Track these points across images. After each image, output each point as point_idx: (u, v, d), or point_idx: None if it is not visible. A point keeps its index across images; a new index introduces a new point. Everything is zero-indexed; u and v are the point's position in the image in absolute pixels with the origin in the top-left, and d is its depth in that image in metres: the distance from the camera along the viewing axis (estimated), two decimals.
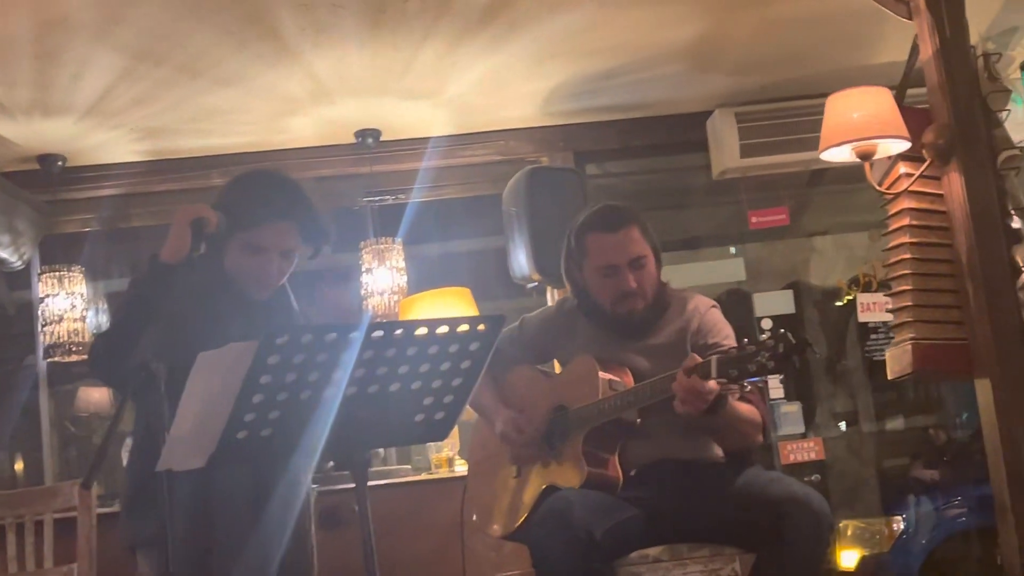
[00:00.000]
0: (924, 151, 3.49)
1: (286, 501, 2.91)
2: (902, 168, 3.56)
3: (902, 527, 5.99)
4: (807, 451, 5.76)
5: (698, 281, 6.07)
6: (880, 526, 6.06)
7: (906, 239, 3.50)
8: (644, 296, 3.27)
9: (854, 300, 6.20)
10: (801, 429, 5.86)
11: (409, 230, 5.54)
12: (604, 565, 3.00)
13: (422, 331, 2.24)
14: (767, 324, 5.81)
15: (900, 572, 5.90)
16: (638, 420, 3.15)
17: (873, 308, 5.97)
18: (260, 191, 2.99)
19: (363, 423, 2.30)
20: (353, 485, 2.44)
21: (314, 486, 3.14)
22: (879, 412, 7.24)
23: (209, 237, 2.83)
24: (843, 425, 7.11)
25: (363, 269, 5.43)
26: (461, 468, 4.49)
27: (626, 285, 3.25)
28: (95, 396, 7.23)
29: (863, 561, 6.04)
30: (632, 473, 3.16)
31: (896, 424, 7.32)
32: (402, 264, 5.44)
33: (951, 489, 6.11)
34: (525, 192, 5.07)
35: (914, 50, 3.66)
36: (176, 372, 2.39)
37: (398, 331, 2.22)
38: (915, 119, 3.51)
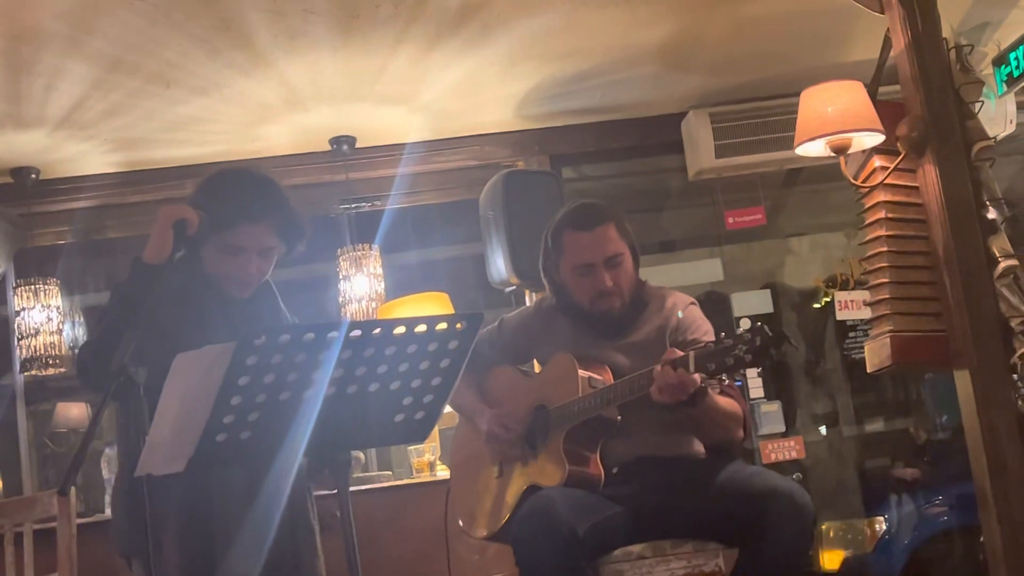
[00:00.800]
0: (898, 144, 3.50)
1: (272, 503, 2.89)
2: (877, 161, 3.57)
3: (884, 527, 6.01)
4: (788, 450, 5.77)
5: (676, 283, 6.07)
6: (862, 527, 6.07)
7: (882, 232, 3.52)
8: (621, 294, 3.27)
9: (832, 302, 6.21)
10: (781, 428, 5.87)
11: (386, 237, 5.53)
12: (588, 563, 2.99)
13: (400, 329, 2.23)
14: (746, 324, 5.81)
15: (883, 572, 5.91)
16: (619, 417, 3.14)
17: (851, 306, 5.98)
18: (234, 192, 2.97)
19: (343, 424, 2.29)
20: (334, 491, 2.43)
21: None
22: (859, 413, 7.26)
23: (191, 238, 2.81)
24: (823, 429, 7.13)
25: (340, 276, 5.41)
26: (443, 473, 4.48)
27: (602, 284, 3.25)
28: (74, 412, 7.18)
29: (846, 562, 6.05)
30: (614, 471, 3.15)
31: (876, 425, 7.33)
32: (380, 271, 5.43)
33: (932, 489, 6.13)
34: (502, 196, 5.06)
35: (886, 45, 3.68)
36: (158, 376, 2.37)
37: (376, 330, 2.22)
38: (889, 112, 3.52)
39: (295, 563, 2.92)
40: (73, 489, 3.70)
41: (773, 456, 5.69)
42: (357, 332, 2.18)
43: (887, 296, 3.48)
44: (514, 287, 5.22)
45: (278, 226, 2.98)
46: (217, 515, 2.82)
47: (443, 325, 2.27)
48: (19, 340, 5.26)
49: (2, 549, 3.68)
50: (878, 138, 3.50)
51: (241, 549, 2.81)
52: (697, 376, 2.86)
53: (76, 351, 5.40)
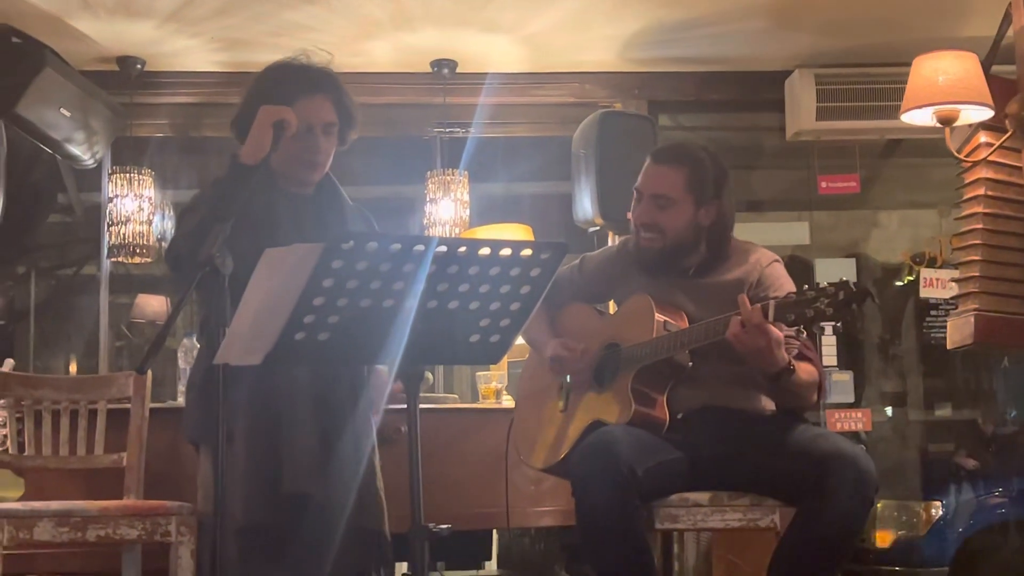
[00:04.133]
0: (1007, 121, 3.44)
1: (342, 411, 2.94)
2: (982, 137, 3.51)
3: (940, 513, 5.96)
4: (855, 421, 5.72)
5: (760, 243, 6.02)
6: (918, 509, 6.02)
7: (980, 209, 3.47)
8: (662, 235, 3.23)
9: (915, 280, 6.14)
10: (851, 399, 5.83)
11: (475, 165, 5.54)
12: (643, 503, 3.01)
13: (486, 251, 2.24)
14: None
15: (934, 556, 5.87)
16: (690, 363, 3.14)
17: (936, 284, 5.91)
18: (289, 71, 3.04)
19: (419, 338, 2.30)
20: (400, 407, 2.47)
21: None
22: (928, 396, 7.18)
23: (287, 139, 2.86)
24: (890, 409, 7.06)
25: (428, 199, 5.45)
26: (508, 402, 4.52)
27: (641, 215, 3.26)
28: (153, 304, 7.35)
29: (897, 542, 6.02)
30: (679, 416, 3.15)
31: (944, 411, 7.25)
32: (466, 197, 5.45)
33: (993, 479, 6.07)
34: (596, 135, 5.06)
35: (1005, 20, 3.60)
36: (240, 269, 2.42)
37: (461, 248, 2.23)
38: (1000, 89, 3.46)
39: (354, 473, 2.96)
40: (148, 372, 3.80)
41: (839, 426, 5.65)
42: (443, 248, 2.20)
43: (976, 274, 3.44)
44: (598, 227, 5.22)
45: (335, 99, 3.04)
46: (286, 415, 2.88)
47: (528, 251, 2.28)
48: (109, 226, 5.37)
49: (75, 424, 3.79)
50: (987, 113, 3.44)
51: (308, 453, 2.87)
52: (777, 331, 2.84)
53: (163, 243, 5.52)
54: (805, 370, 3.08)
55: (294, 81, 3.01)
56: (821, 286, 2.80)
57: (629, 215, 3.32)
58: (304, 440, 2.87)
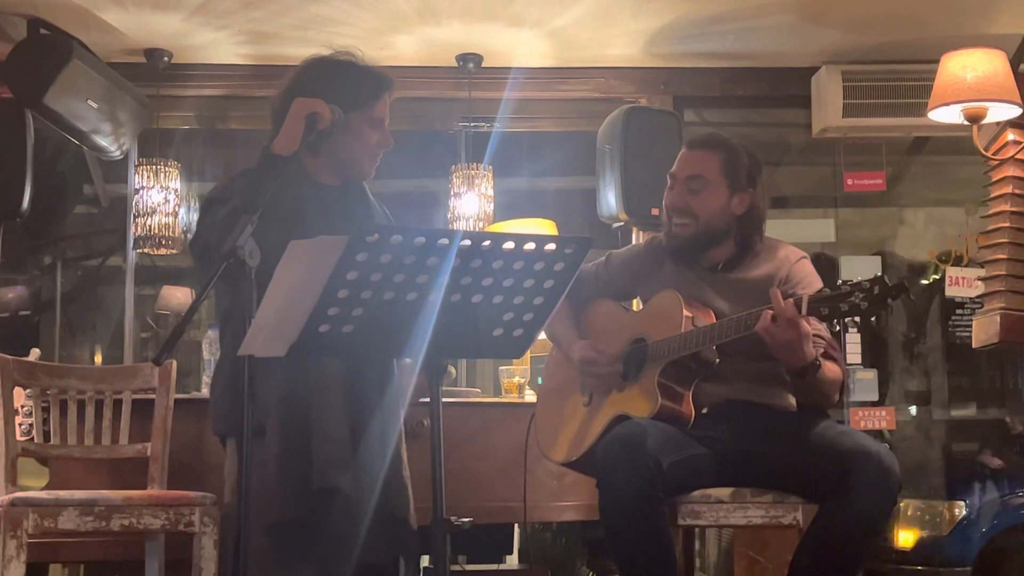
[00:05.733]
0: None
1: (377, 397, 2.94)
2: (1010, 135, 3.50)
3: (964, 513, 5.94)
4: (878, 419, 5.70)
5: (785, 240, 6.03)
6: (941, 509, 6.00)
7: (1007, 207, 3.46)
8: (695, 219, 3.24)
9: (941, 279, 6.12)
10: (874, 397, 5.81)
11: (500, 160, 5.55)
12: (666, 496, 3.01)
13: (509, 245, 2.24)
14: None
15: (957, 556, 5.85)
16: (717, 360, 3.14)
17: (962, 283, 5.89)
18: (363, 69, 3.06)
19: (442, 331, 2.30)
20: (423, 400, 2.48)
21: None
22: (953, 395, 7.16)
23: (319, 132, 2.87)
24: (913, 409, 7.04)
25: (452, 192, 5.46)
26: (530, 396, 4.52)
27: (672, 200, 3.27)
28: (178, 296, 7.38)
29: (920, 542, 6.00)
30: (703, 411, 3.14)
31: (968, 410, 7.22)
32: (491, 191, 5.46)
33: (1017, 479, 6.04)
34: (621, 131, 5.08)
35: None
36: (266, 261, 2.43)
37: (486, 242, 2.23)
38: None
39: (383, 463, 2.97)
40: (174, 363, 3.82)
41: (862, 424, 5.63)
42: (467, 242, 2.20)
43: (1003, 272, 3.43)
44: (622, 223, 5.23)
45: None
46: (316, 407, 2.87)
47: (552, 246, 2.28)
48: (135, 218, 5.39)
49: (100, 414, 3.81)
50: (1015, 111, 3.43)
51: (339, 444, 2.87)
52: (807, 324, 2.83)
53: (188, 235, 5.54)
54: (830, 368, 3.07)
55: (377, 79, 3.05)
56: (855, 281, 2.79)
57: (655, 211, 3.32)
58: (335, 432, 2.87)
